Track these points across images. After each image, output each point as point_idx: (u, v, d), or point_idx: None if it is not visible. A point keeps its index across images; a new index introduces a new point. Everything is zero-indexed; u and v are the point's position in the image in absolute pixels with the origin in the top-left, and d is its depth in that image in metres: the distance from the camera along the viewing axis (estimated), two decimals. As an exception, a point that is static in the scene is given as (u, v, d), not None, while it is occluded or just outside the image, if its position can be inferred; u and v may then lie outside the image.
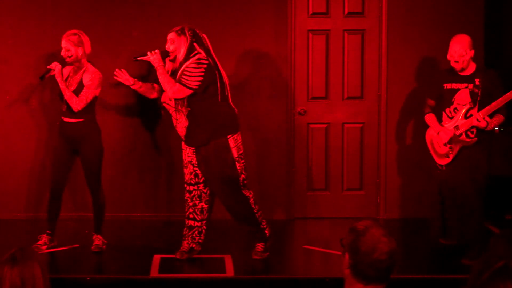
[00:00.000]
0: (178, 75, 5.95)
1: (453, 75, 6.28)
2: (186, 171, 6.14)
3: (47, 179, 6.94)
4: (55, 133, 6.58)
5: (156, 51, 6.03)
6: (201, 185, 6.14)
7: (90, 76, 6.32)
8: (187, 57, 5.97)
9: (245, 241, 6.95)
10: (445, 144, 6.29)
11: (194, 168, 6.11)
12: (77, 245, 6.61)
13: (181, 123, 6.03)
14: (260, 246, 6.23)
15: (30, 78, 7.38)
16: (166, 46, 6.03)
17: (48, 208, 6.51)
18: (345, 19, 7.59)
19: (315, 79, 7.63)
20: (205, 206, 6.17)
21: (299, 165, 7.69)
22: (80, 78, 6.34)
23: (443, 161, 6.32)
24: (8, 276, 2.99)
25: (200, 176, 6.12)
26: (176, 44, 6.01)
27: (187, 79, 5.93)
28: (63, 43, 6.30)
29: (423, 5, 7.54)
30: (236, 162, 6.04)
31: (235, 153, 6.03)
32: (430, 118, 6.47)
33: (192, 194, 6.15)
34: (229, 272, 5.94)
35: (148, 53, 6.04)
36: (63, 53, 6.29)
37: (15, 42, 7.42)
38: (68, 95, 6.25)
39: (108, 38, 7.42)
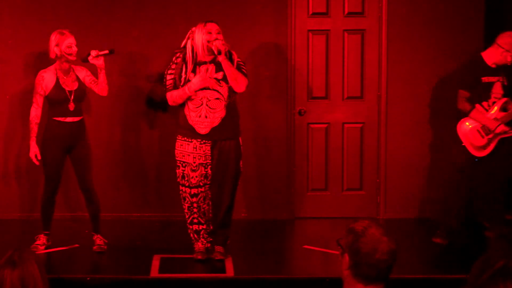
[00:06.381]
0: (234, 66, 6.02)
1: (487, 68, 6.51)
2: (194, 174, 6.09)
3: (41, 179, 6.94)
4: (47, 133, 6.49)
5: (223, 42, 5.94)
6: (207, 186, 6.16)
7: (85, 71, 6.37)
8: (230, 53, 6.04)
9: (245, 241, 6.96)
10: (483, 137, 6.52)
11: (206, 170, 6.11)
12: (77, 245, 6.61)
13: (218, 113, 6.01)
14: (222, 248, 6.23)
15: (30, 78, 7.38)
16: (210, 37, 5.92)
17: (44, 209, 6.49)
18: (345, 19, 7.59)
19: (315, 79, 7.63)
20: (207, 207, 6.19)
21: (299, 165, 7.69)
22: (75, 75, 6.34)
23: (480, 153, 6.56)
24: (8, 279, 2.98)
25: (208, 177, 6.13)
26: (222, 34, 6.00)
27: (245, 71, 6.07)
28: (73, 40, 6.26)
29: (423, 5, 7.54)
30: (241, 161, 6.21)
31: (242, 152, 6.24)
32: (476, 113, 6.57)
33: (199, 197, 6.14)
34: (229, 272, 5.95)
35: (220, 44, 5.89)
36: (73, 49, 6.24)
37: (15, 42, 7.43)
38: (106, 81, 6.35)
39: (108, 38, 7.41)
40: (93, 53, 6.23)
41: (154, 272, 5.91)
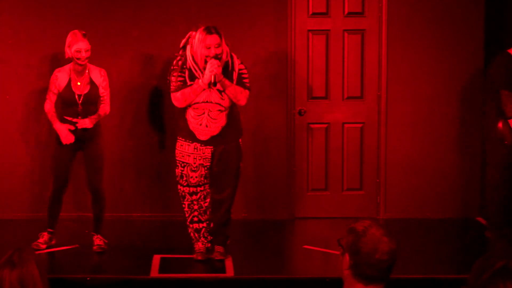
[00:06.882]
0: (234, 78, 5.98)
1: None
2: (194, 174, 6.09)
3: (47, 178, 6.96)
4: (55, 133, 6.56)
5: (217, 61, 5.83)
6: (207, 185, 6.17)
7: (100, 75, 6.41)
8: (232, 58, 6.01)
9: (245, 241, 6.96)
10: None
11: (206, 171, 6.12)
12: (77, 245, 6.61)
13: (219, 123, 6.01)
14: (222, 248, 6.23)
15: (30, 78, 7.39)
16: (209, 52, 5.85)
17: (50, 207, 6.52)
18: (345, 19, 7.59)
19: (315, 79, 7.63)
20: (207, 205, 6.20)
21: (299, 165, 7.68)
22: (89, 78, 6.35)
23: None
24: (7, 279, 2.98)
25: (208, 177, 6.14)
26: (223, 46, 5.92)
27: (247, 81, 6.05)
28: (83, 44, 6.23)
29: (423, 5, 7.54)
30: (241, 162, 6.22)
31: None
32: None
33: (198, 196, 6.15)
34: (229, 272, 5.95)
35: (212, 66, 5.83)
36: (82, 54, 6.23)
37: (15, 42, 7.42)
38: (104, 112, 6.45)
39: (108, 38, 7.41)
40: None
41: (154, 272, 5.91)
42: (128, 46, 7.45)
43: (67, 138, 6.28)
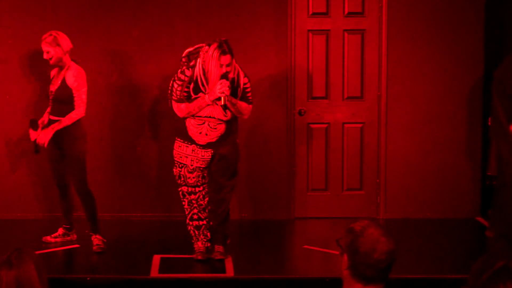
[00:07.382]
0: (239, 94, 6.03)
1: None
2: (191, 175, 6.13)
3: (48, 178, 6.96)
4: None
5: (227, 83, 5.86)
6: (205, 185, 6.20)
7: (74, 76, 6.34)
8: (238, 74, 6.04)
9: (245, 241, 6.96)
10: None
11: (203, 172, 6.14)
12: (77, 245, 6.62)
13: (218, 132, 6.05)
14: (222, 248, 6.23)
15: (30, 78, 7.39)
16: (221, 71, 5.86)
17: (60, 204, 6.70)
18: (345, 19, 7.59)
19: (315, 79, 7.63)
20: (205, 203, 6.21)
21: (299, 165, 7.69)
22: (63, 77, 6.35)
23: None
24: (4, 280, 2.99)
25: (206, 178, 6.16)
26: (232, 65, 5.96)
27: (249, 95, 6.11)
28: (42, 47, 6.38)
29: (423, 5, 7.54)
30: (238, 162, 6.26)
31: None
32: None
33: (197, 196, 6.18)
34: (229, 272, 5.95)
35: (222, 88, 5.85)
36: (44, 56, 6.38)
37: (15, 42, 7.42)
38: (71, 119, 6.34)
39: (108, 38, 7.41)
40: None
41: (154, 272, 5.91)
42: (128, 46, 7.45)
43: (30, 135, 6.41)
